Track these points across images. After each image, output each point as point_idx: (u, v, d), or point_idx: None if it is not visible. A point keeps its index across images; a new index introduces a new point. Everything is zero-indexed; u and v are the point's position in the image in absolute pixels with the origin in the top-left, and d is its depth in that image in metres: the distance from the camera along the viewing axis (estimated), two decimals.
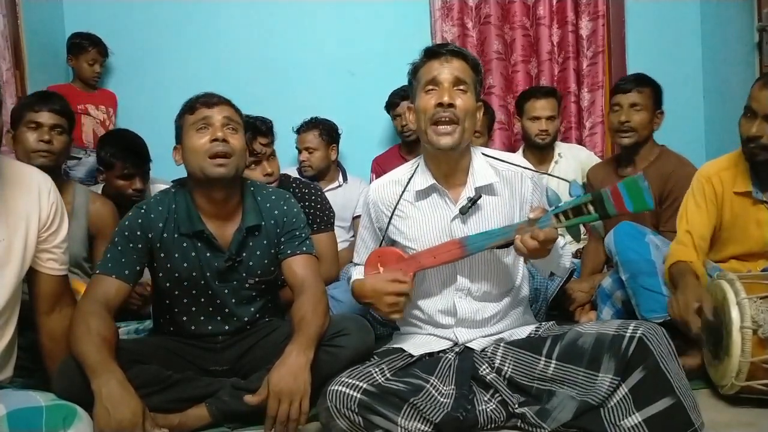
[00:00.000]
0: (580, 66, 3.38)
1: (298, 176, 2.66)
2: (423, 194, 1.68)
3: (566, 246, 1.71)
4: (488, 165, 1.67)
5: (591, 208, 1.42)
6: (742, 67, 3.08)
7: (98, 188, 2.56)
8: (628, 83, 2.38)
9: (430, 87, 1.60)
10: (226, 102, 1.73)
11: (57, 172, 2.13)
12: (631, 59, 3.39)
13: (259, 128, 2.21)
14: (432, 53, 1.63)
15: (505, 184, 1.67)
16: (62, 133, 2.11)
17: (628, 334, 1.42)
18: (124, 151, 2.41)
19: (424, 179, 1.68)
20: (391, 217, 1.70)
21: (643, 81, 2.38)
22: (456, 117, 1.57)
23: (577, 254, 2.70)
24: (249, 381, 1.63)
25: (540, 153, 2.92)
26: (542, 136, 2.86)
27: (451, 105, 1.57)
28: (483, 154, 1.71)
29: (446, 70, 1.59)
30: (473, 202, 1.61)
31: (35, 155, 2.04)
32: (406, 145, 3.12)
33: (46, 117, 2.06)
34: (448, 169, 1.66)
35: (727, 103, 3.23)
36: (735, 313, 1.59)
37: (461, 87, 1.59)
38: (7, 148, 2.15)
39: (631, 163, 2.39)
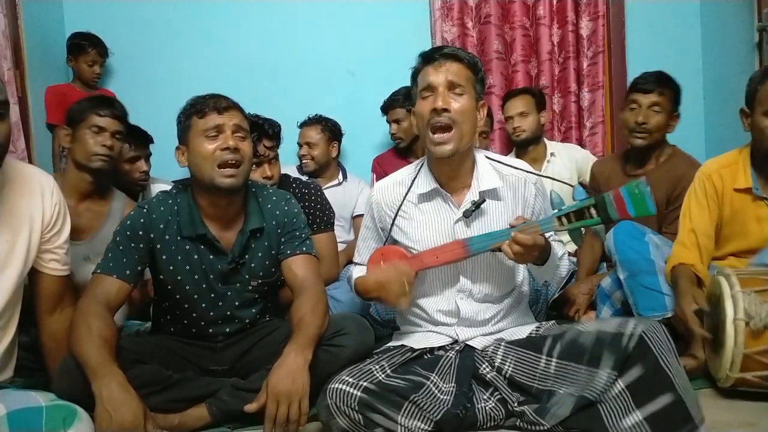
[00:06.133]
0: (581, 66, 3.38)
1: (298, 176, 2.66)
2: (426, 197, 1.68)
3: (564, 256, 1.69)
4: (492, 169, 1.67)
5: (593, 211, 1.42)
6: (742, 67, 3.08)
7: None
8: (649, 83, 2.28)
9: (426, 93, 1.61)
10: (236, 107, 1.70)
11: (108, 175, 2.19)
12: (631, 59, 3.40)
13: (266, 131, 2.20)
14: (427, 58, 1.63)
15: (509, 189, 1.67)
16: (121, 139, 2.17)
17: (628, 332, 1.42)
18: (127, 135, 2.43)
19: (426, 182, 1.68)
20: (394, 219, 1.70)
21: (665, 82, 2.29)
22: (452, 121, 1.57)
23: (573, 254, 2.70)
24: (249, 381, 1.63)
25: (531, 152, 2.91)
26: (516, 133, 2.90)
27: (445, 110, 1.57)
28: (487, 157, 1.70)
29: (441, 75, 1.59)
30: (477, 205, 1.61)
31: (96, 158, 2.08)
32: (403, 149, 3.13)
33: (109, 122, 2.11)
34: (451, 172, 1.66)
35: (727, 103, 3.22)
36: (729, 306, 1.62)
37: (456, 90, 1.59)
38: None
39: (641, 163, 2.35)
